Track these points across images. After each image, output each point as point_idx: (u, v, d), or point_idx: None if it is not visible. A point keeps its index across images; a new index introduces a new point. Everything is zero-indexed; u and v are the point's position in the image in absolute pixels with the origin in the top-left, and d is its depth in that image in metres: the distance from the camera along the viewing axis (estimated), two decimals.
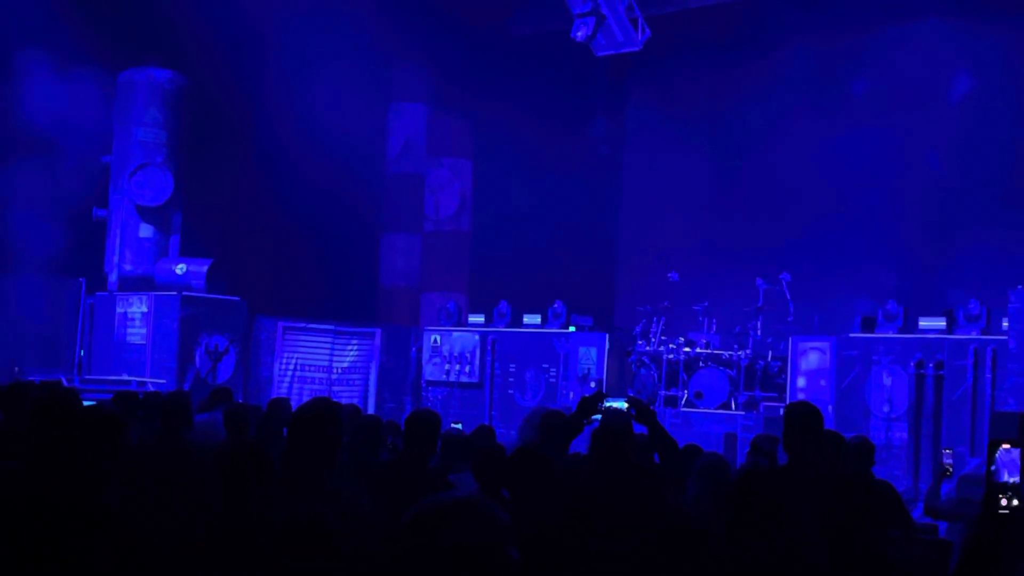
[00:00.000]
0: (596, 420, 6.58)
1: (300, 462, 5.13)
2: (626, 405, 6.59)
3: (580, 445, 6.80)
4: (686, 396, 16.35)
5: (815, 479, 5.80)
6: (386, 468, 6.53)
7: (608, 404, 6.61)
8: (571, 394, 16.69)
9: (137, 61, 17.68)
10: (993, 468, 5.25)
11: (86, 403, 5.73)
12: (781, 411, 15.41)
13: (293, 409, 6.85)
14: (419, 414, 6.69)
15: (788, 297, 16.64)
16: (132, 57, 17.58)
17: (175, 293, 16.87)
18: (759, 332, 16.67)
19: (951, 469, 7.36)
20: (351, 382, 18.37)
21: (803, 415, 6.12)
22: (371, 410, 17.75)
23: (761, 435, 8.48)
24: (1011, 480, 5.53)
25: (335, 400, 5.78)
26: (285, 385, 17.76)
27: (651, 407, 6.89)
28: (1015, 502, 4.95)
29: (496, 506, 2.81)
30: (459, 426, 8.81)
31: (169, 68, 17.78)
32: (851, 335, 15.07)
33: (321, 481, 5.05)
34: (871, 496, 5.30)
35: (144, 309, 17.01)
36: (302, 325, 18.10)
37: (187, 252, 17.81)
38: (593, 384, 16.31)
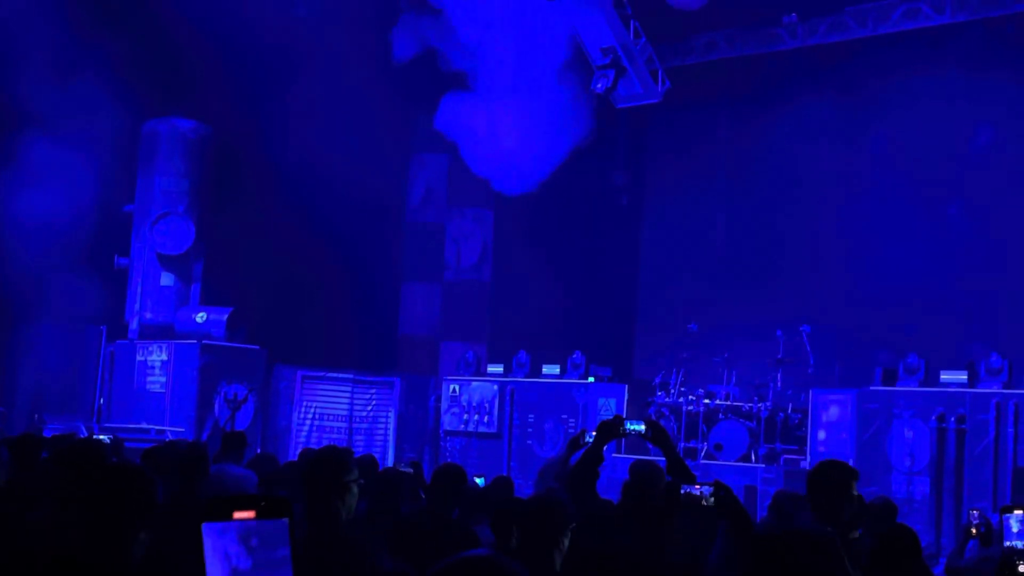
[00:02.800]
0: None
1: (317, 512, 5.11)
2: (644, 427, 6.55)
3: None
4: (706, 448, 16.26)
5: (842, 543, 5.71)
6: (409, 521, 6.51)
7: (629, 427, 6.56)
8: (571, 421, 16.71)
9: (161, 111, 17.84)
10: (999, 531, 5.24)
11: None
12: (802, 464, 15.39)
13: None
14: (445, 468, 6.72)
15: (808, 349, 16.58)
16: (156, 107, 17.74)
17: (195, 341, 16.91)
18: (779, 384, 16.60)
19: (975, 530, 7.30)
20: (370, 431, 18.35)
21: (829, 472, 5.97)
22: (390, 459, 17.71)
23: (783, 493, 8.37)
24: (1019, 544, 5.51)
25: (348, 448, 5.77)
26: (304, 434, 17.74)
27: (668, 431, 6.81)
28: None
29: (512, 561, 2.81)
30: (480, 481, 8.78)
31: (192, 118, 17.94)
32: (872, 388, 15.00)
33: (339, 531, 5.03)
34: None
35: (164, 357, 17.06)
36: (321, 374, 18.11)
37: (207, 300, 17.87)
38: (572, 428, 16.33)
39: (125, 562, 3.44)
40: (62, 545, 3.42)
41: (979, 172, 18.21)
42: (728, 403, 16.64)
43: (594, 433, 6.78)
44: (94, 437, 9.88)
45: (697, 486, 5.10)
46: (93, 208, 16.89)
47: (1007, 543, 5.82)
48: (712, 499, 5.05)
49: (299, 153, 18.24)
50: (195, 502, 6.18)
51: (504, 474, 12.88)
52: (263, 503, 2.51)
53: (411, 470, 9.31)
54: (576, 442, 6.92)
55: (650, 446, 7.11)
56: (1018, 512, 5.83)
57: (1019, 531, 5.83)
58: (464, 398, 18.12)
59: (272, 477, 8.22)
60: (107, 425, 16.13)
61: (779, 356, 16.63)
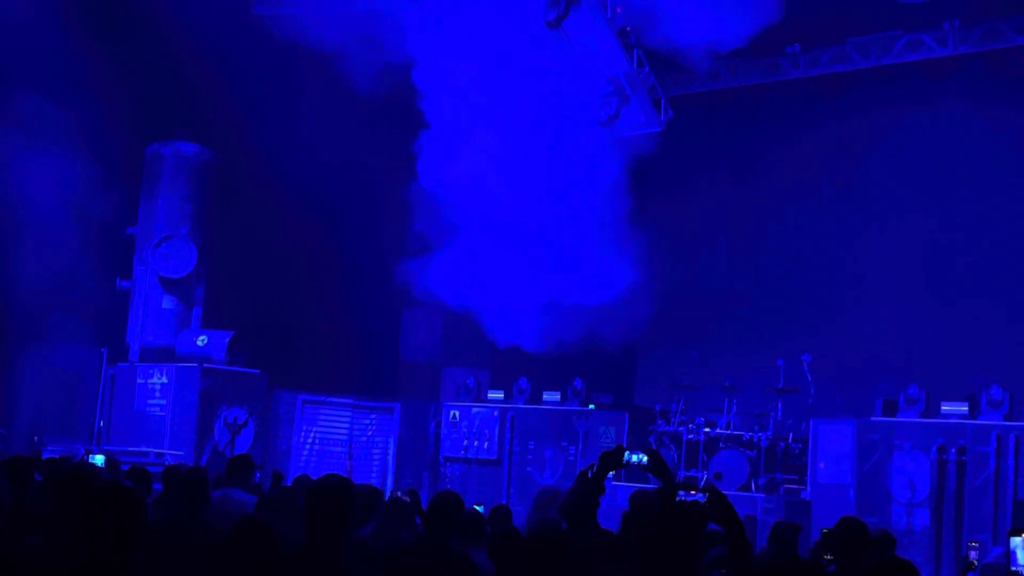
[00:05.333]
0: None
1: (315, 540, 5.10)
2: (645, 458, 6.54)
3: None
4: (706, 477, 16.21)
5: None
6: (407, 549, 6.49)
7: (631, 458, 6.55)
8: (571, 448, 16.72)
9: (164, 135, 17.88)
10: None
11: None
12: (803, 494, 15.34)
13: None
14: (443, 495, 6.69)
15: (809, 378, 16.54)
16: (160, 130, 17.79)
17: (196, 365, 16.89)
18: (780, 413, 16.55)
19: (976, 563, 7.28)
20: (369, 457, 18.30)
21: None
22: (388, 485, 17.68)
23: (782, 522, 8.35)
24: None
25: (348, 476, 5.76)
26: (303, 458, 17.70)
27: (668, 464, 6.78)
28: None
29: None
30: (480, 508, 8.74)
31: (196, 142, 17.98)
32: (873, 418, 14.96)
33: (338, 561, 5.02)
34: None
35: (164, 380, 17.04)
36: (321, 398, 18.08)
37: (209, 324, 17.87)
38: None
39: None
40: (60, 570, 3.41)
41: (981, 203, 18.21)
42: (728, 432, 16.60)
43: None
44: (88, 460, 9.82)
45: (692, 492, 5.11)
46: (96, 230, 16.92)
47: (1014, 568, 5.81)
48: (706, 503, 5.07)
49: (301, 177, 18.26)
50: (200, 526, 6.17)
51: (503, 502, 12.87)
52: None
53: (408, 499, 9.27)
54: (585, 476, 6.88)
55: (650, 474, 7.09)
56: None
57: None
58: (464, 424, 18.09)
59: (266, 503, 8.16)
60: (106, 448, 16.10)
61: (780, 385, 16.60)
